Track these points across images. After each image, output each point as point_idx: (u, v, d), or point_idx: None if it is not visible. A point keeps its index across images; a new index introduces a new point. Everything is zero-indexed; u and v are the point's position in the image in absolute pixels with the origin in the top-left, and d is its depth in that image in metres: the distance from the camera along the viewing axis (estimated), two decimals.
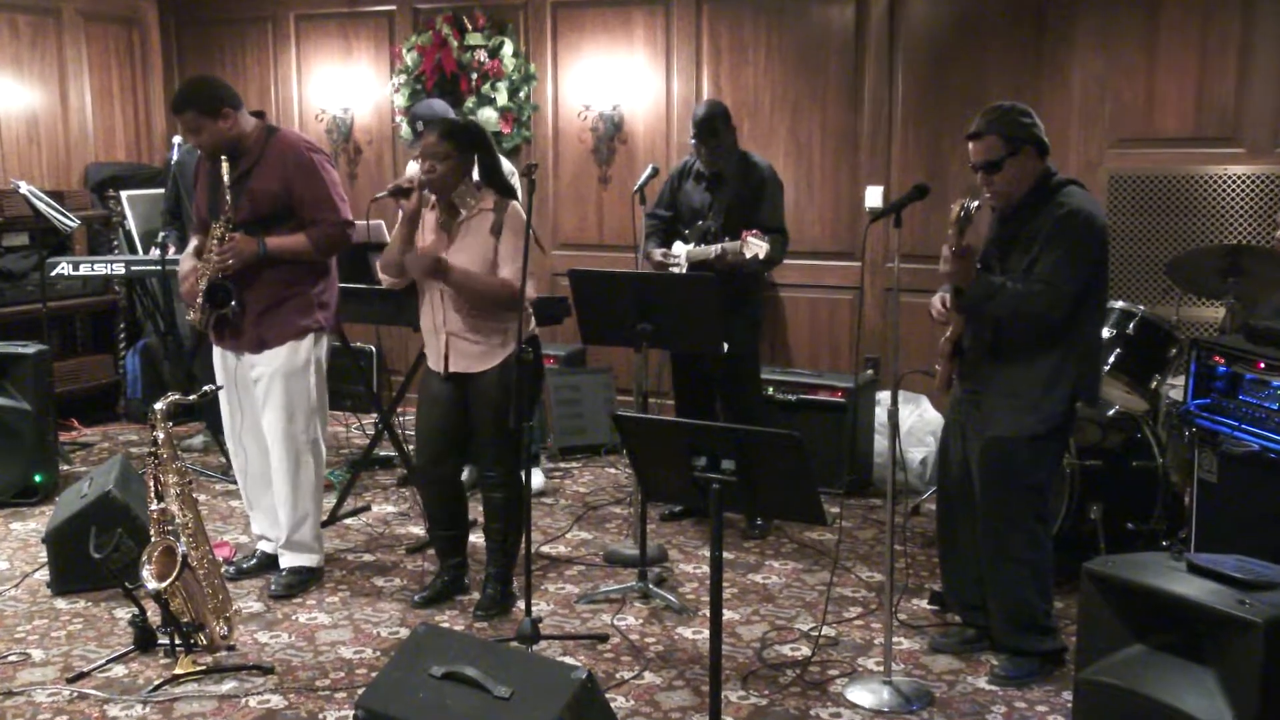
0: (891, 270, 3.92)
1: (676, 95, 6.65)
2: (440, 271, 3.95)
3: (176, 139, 6.03)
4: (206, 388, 3.99)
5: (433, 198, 4.10)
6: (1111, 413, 4.62)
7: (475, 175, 4.09)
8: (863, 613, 4.25)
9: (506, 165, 5.36)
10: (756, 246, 4.66)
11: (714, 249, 4.85)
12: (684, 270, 4.95)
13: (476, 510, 4.54)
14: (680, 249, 5.05)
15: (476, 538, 4.50)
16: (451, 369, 4.08)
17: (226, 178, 4.11)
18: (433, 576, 4.39)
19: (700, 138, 4.97)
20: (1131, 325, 4.62)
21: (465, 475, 4.50)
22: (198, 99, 4.13)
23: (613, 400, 6.49)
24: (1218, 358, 3.95)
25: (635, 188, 5.04)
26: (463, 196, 4.05)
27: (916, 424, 5.72)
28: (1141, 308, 4.71)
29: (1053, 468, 3.73)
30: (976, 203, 3.59)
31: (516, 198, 4.08)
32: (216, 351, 4.39)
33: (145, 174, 7.57)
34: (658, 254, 5.08)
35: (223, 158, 4.10)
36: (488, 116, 6.79)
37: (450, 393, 4.12)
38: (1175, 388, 4.49)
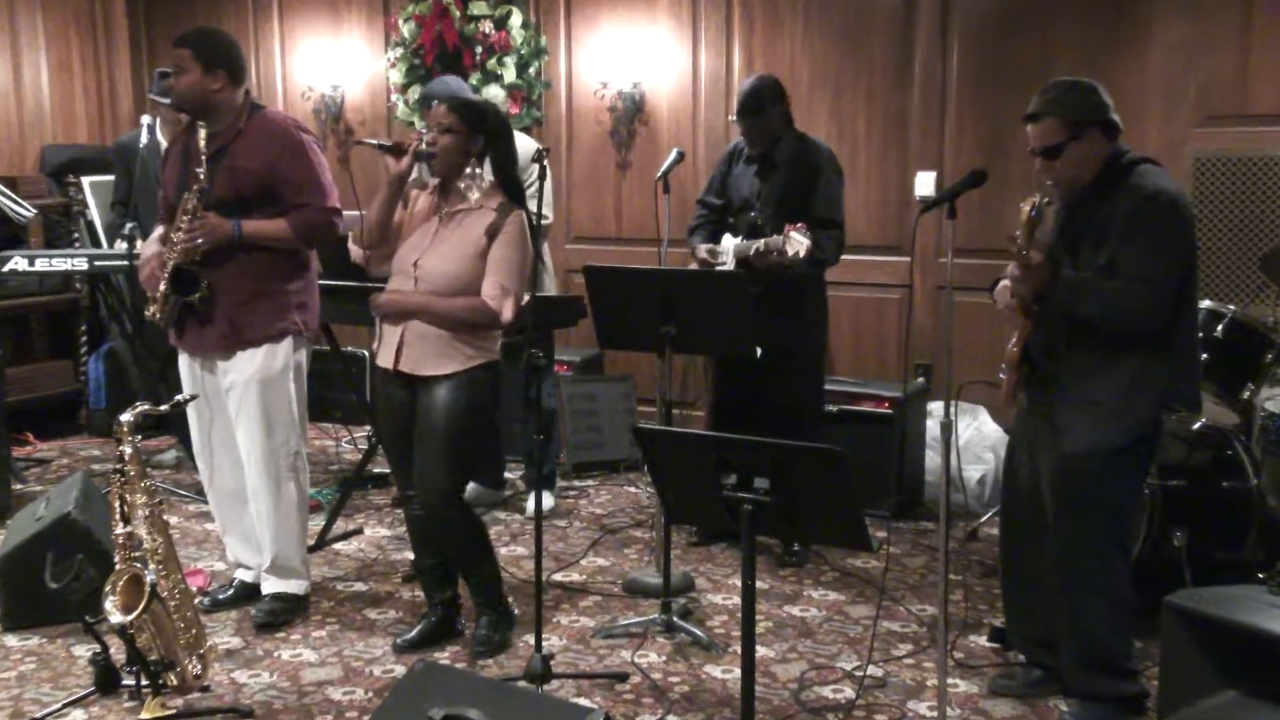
0: (945, 266, 3.88)
1: (704, 71, 6.63)
2: (402, 315, 3.93)
3: (145, 119, 6.03)
4: (180, 397, 3.98)
5: (431, 181, 4.08)
6: (1198, 426, 4.56)
7: (487, 172, 4.07)
8: (913, 650, 4.22)
9: (526, 143, 5.35)
10: (797, 243, 4.59)
11: (755, 244, 4.81)
12: (730, 267, 4.91)
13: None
14: (728, 243, 5.00)
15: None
16: (402, 366, 3.98)
17: (203, 144, 4.09)
18: (418, 618, 4.33)
19: (743, 115, 4.93)
20: (1220, 327, 4.56)
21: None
22: (202, 42, 4.19)
23: (633, 411, 6.47)
24: None
25: (658, 175, 5.03)
26: (467, 186, 4.03)
27: (974, 438, 5.68)
28: (1231, 307, 4.63)
29: (1135, 487, 3.68)
30: (1048, 200, 3.55)
31: (525, 206, 4.04)
32: (183, 358, 4.38)
33: (109, 158, 7.57)
34: (703, 250, 5.01)
35: (200, 125, 4.09)
36: (494, 95, 6.78)
37: (407, 398, 4.03)
38: (1272, 398, 4.42)
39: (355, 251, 4.13)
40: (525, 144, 5.40)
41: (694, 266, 5.05)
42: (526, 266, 3.99)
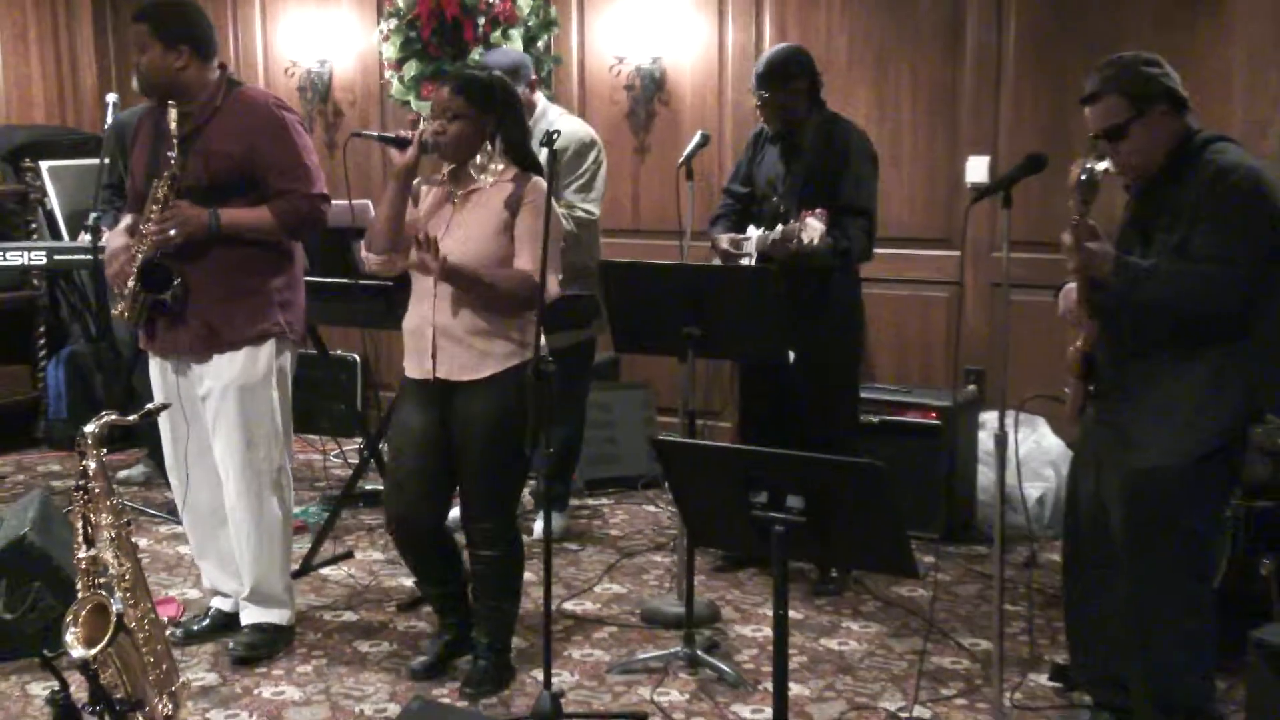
0: (1000, 261, 3.87)
1: (731, 45, 6.63)
2: (446, 275, 3.89)
3: (111, 97, 6.06)
4: (150, 405, 3.96)
5: (441, 171, 4.09)
6: None
7: (498, 146, 4.09)
8: (965, 690, 4.21)
9: (575, 127, 5.37)
10: (812, 229, 4.58)
11: (772, 234, 4.81)
12: (752, 261, 4.92)
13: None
14: (753, 233, 5.00)
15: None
16: (439, 373, 4.03)
17: (174, 126, 4.10)
18: (431, 637, 4.37)
19: (762, 87, 4.93)
20: None
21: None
22: (160, 15, 4.19)
23: (652, 422, 6.46)
24: None
25: (680, 160, 5.02)
26: (479, 166, 4.05)
27: (1033, 453, 5.66)
28: None
29: (1216, 507, 3.65)
30: (1105, 164, 3.51)
31: (542, 172, 4.05)
32: (154, 362, 4.39)
33: (70, 140, 7.61)
34: (724, 240, 5.02)
35: (170, 105, 4.10)
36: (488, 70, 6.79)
37: (434, 416, 4.07)
38: None
39: (370, 259, 4.10)
40: (575, 128, 5.40)
41: (715, 260, 5.05)
42: (559, 238, 4.01)
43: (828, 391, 5.04)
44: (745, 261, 4.91)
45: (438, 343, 4.01)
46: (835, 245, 4.72)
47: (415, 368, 4.10)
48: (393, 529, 4.22)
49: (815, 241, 4.58)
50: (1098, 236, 3.52)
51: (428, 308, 4.03)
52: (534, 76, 5.51)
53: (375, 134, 4.14)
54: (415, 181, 4.11)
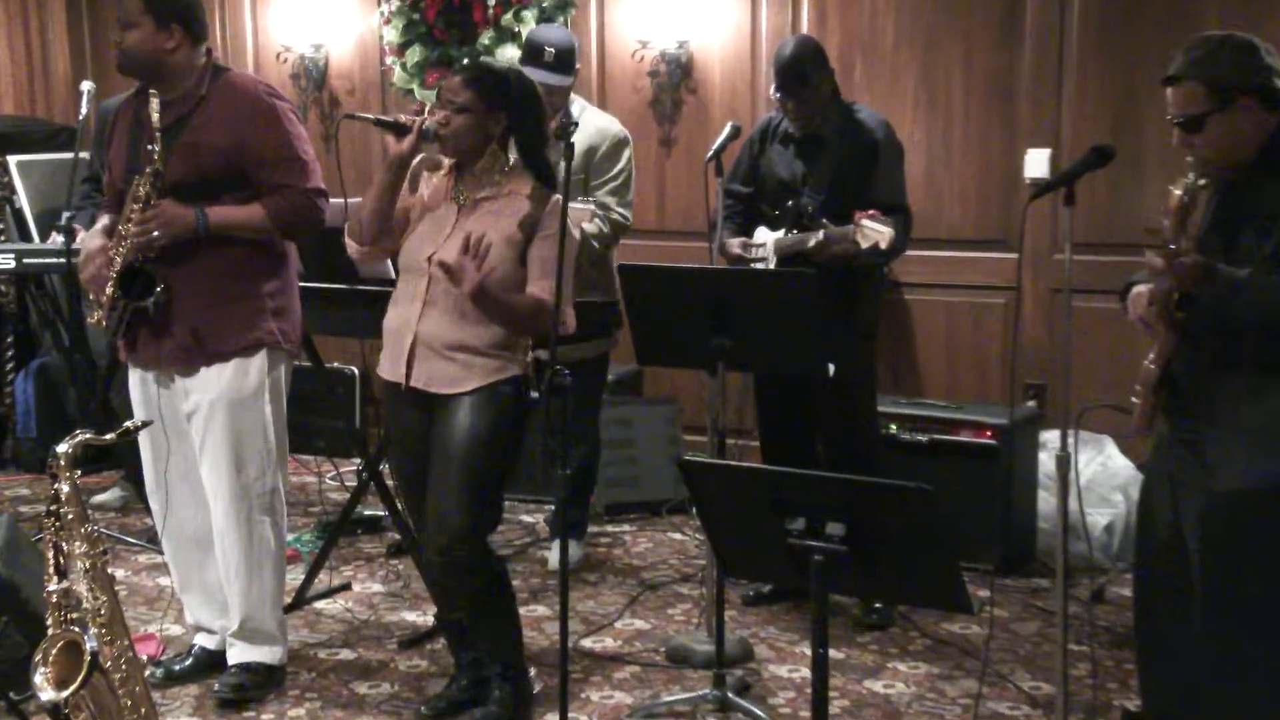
0: (1061, 264, 3.85)
1: (765, 28, 6.64)
2: (477, 293, 3.84)
3: (86, 84, 6.09)
4: (130, 423, 3.96)
5: (445, 162, 4.10)
6: None
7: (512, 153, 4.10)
8: None
9: (604, 123, 5.40)
10: (876, 233, 4.61)
11: (812, 237, 4.82)
12: (771, 265, 4.93)
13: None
14: (766, 236, 5.03)
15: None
16: (413, 383, 4.01)
17: (156, 117, 4.11)
18: (447, 682, 4.36)
19: (785, 88, 4.96)
20: None
21: None
22: None
23: (678, 441, 6.46)
24: None
25: (709, 154, 5.04)
26: (488, 172, 4.04)
27: (1099, 476, 5.65)
28: None
29: None
30: (1203, 181, 3.50)
31: (556, 188, 4.05)
32: (133, 372, 4.40)
33: (42, 132, 7.65)
34: (735, 245, 5.07)
35: (153, 94, 4.10)
36: (510, 57, 6.80)
37: (421, 421, 4.07)
38: None
39: (351, 248, 4.14)
40: (606, 123, 5.43)
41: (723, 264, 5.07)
42: (574, 262, 4.03)
43: (856, 407, 5.06)
44: (760, 265, 4.94)
45: (416, 352, 4.00)
46: (877, 245, 4.73)
47: (389, 370, 4.09)
48: (410, 548, 4.16)
49: (884, 245, 4.60)
50: (1196, 259, 3.50)
51: (413, 312, 4.02)
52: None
53: (371, 117, 4.14)
54: (418, 160, 4.10)
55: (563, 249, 3.83)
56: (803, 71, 4.93)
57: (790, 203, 5.02)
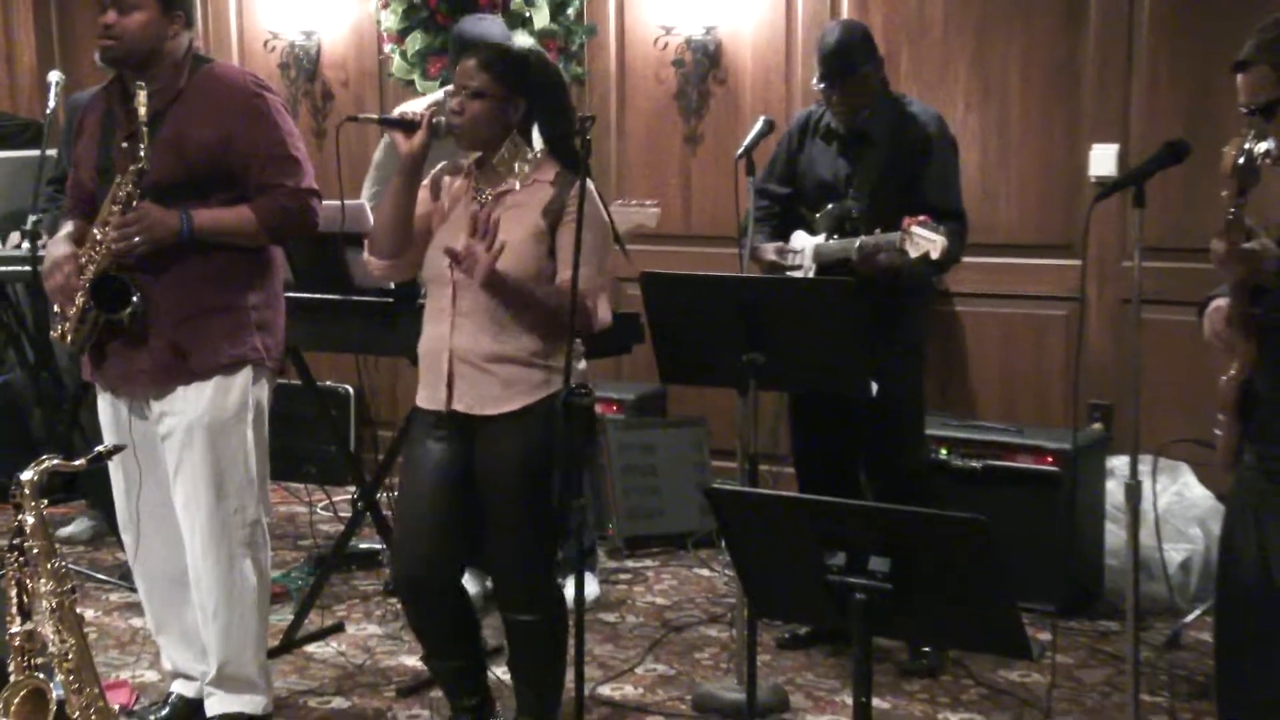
0: (1130, 272, 3.84)
1: (801, 12, 6.66)
2: (489, 280, 3.88)
3: (54, 75, 6.11)
4: (100, 448, 3.96)
5: (465, 164, 4.10)
6: None
7: (537, 143, 4.10)
8: None
9: None
10: (926, 241, 4.58)
11: (855, 243, 4.81)
12: (810, 274, 4.93)
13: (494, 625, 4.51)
14: (804, 242, 5.03)
15: (502, 670, 4.48)
16: (455, 405, 4.04)
17: (143, 111, 4.10)
18: None
19: (830, 79, 4.95)
20: None
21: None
22: None
23: (705, 467, 6.46)
24: None
25: (740, 151, 5.05)
26: (508, 161, 4.04)
27: (1175, 507, 5.63)
28: None
29: None
30: (1267, 145, 3.47)
31: (590, 172, 4.05)
32: (103, 396, 4.40)
33: (5, 128, 7.68)
34: (769, 251, 5.08)
35: (139, 86, 4.10)
36: (521, 45, 6.82)
37: (451, 453, 4.08)
38: None
39: (373, 264, 4.12)
40: None
41: (753, 270, 5.07)
42: (608, 250, 4.03)
43: (903, 430, 5.05)
44: (796, 273, 4.94)
45: (455, 370, 4.01)
46: (928, 255, 4.71)
47: (428, 397, 4.10)
48: (401, 590, 4.22)
49: (935, 255, 4.57)
50: (1253, 235, 3.48)
51: (444, 327, 4.02)
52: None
53: (375, 117, 4.16)
54: (439, 167, 4.12)
55: (579, 235, 3.80)
56: (849, 60, 4.92)
57: (832, 205, 5.02)
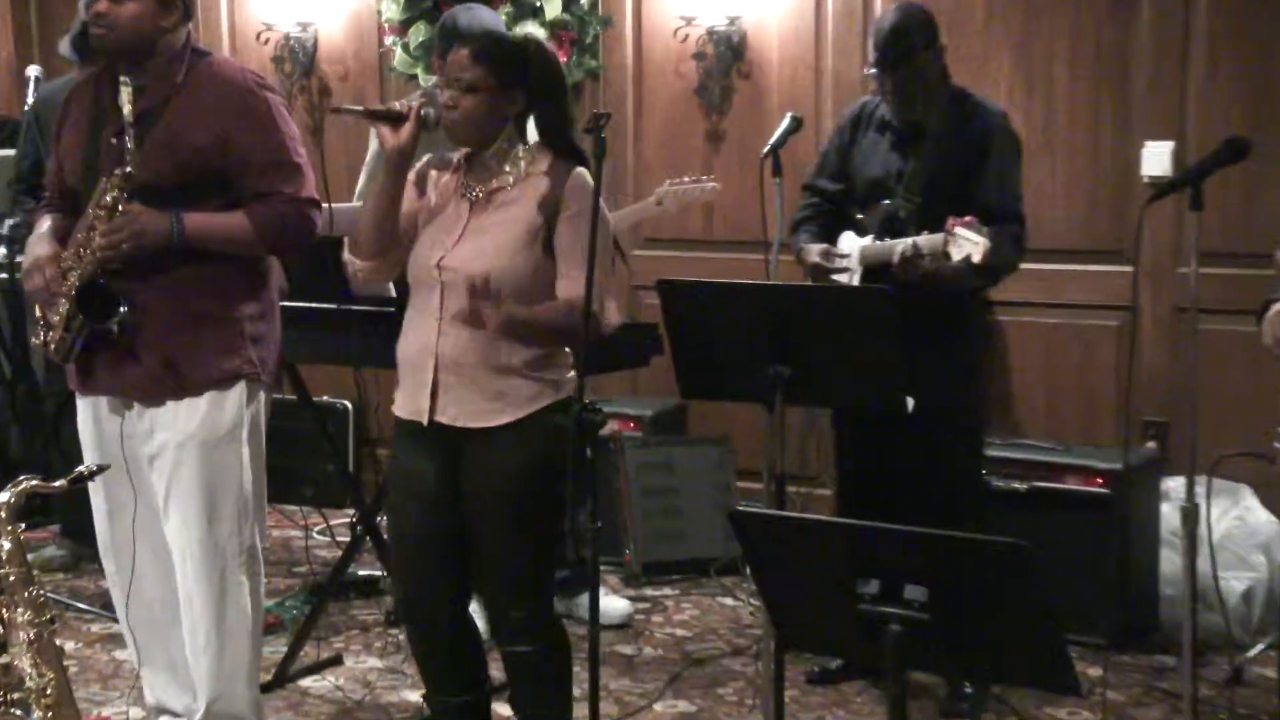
0: (1186, 279, 3.83)
1: (832, 0, 6.63)
2: (506, 327, 3.89)
3: (33, 69, 6.13)
4: (83, 468, 3.97)
5: (455, 158, 4.10)
6: None
7: (532, 136, 4.10)
8: None
9: None
10: (969, 244, 4.56)
11: (899, 246, 4.79)
12: (856, 278, 4.91)
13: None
14: (852, 244, 5.01)
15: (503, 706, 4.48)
16: (439, 417, 4.01)
17: (128, 108, 4.12)
18: None
19: (883, 63, 4.94)
20: None
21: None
22: None
23: (729, 489, 6.46)
24: None
25: (765, 149, 5.04)
26: (502, 157, 4.04)
27: (1236, 532, 5.62)
28: None
29: None
30: None
31: (588, 164, 4.05)
32: (84, 407, 4.41)
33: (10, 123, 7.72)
34: (814, 253, 5.05)
35: (124, 81, 4.10)
36: (532, 34, 6.84)
37: (438, 469, 4.06)
38: None
39: (355, 265, 4.13)
40: None
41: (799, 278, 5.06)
42: (610, 248, 4.03)
43: (955, 450, 5.02)
44: (843, 280, 4.91)
45: (440, 378, 3.97)
46: (989, 261, 4.67)
47: (407, 406, 4.07)
48: (403, 619, 4.21)
49: (977, 259, 4.54)
50: None
51: (429, 332, 3.99)
52: None
53: (361, 108, 4.14)
54: (425, 160, 4.12)
55: (594, 240, 3.81)
56: (907, 45, 4.90)
57: (887, 202, 5.00)
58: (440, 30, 5.52)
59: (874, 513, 4.91)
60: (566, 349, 3.99)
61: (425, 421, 4.00)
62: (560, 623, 4.18)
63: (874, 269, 4.88)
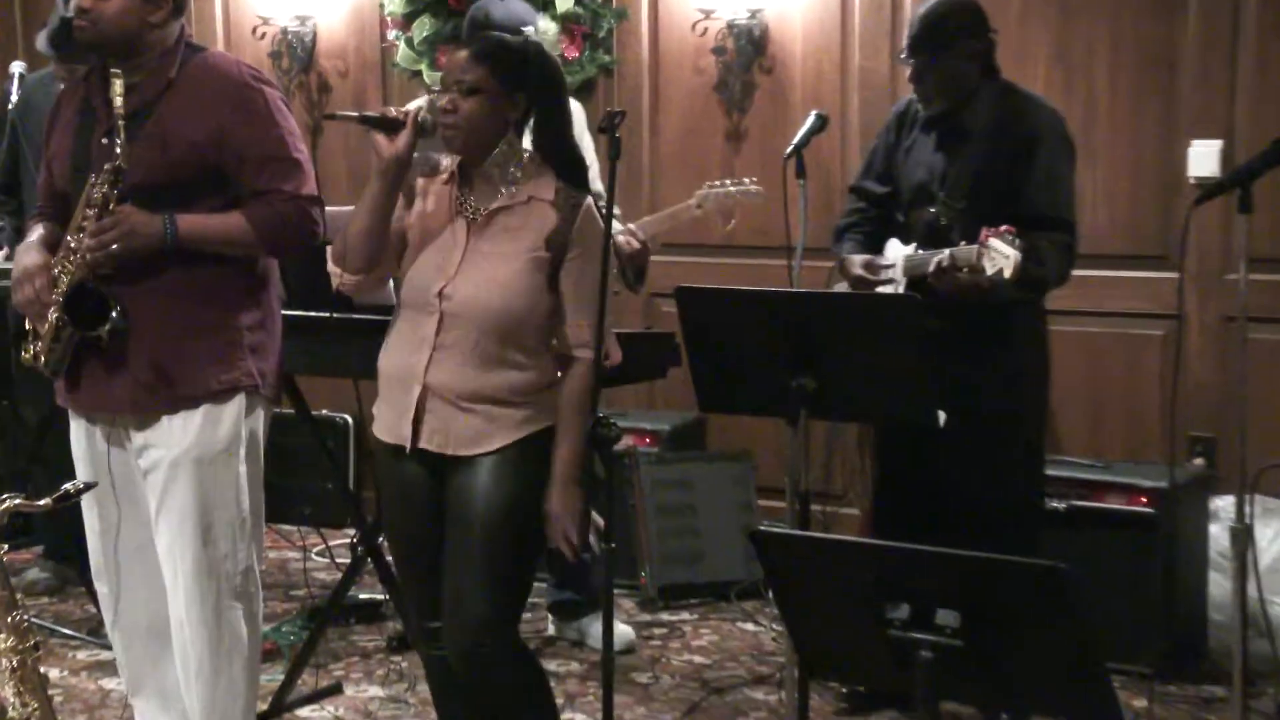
0: (1235, 286, 3.82)
1: None
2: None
3: (17, 65, 6.15)
4: (70, 485, 3.97)
5: (445, 160, 4.09)
6: None
7: (526, 142, 4.09)
8: None
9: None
10: (1000, 257, 4.51)
11: (934, 257, 4.77)
12: (901, 290, 4.90)
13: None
14: (896, 253, 4.99)
15: None
16: (423, 444, 3.99)
17: (120, 101, 4.12)
18: None
19: (915, 49, 4.92)
20: None
21: None
22: None
23: (750, 507, 6.46)
24: None
25: (789, 150, 5.05)
26: (502, 167, 4.03)
27: None
28: None
29: None
30: None
31: (590, 190, 4.05)
32: (76, 424, 4.41)
33: None
34: (857, 264, 5.02)
35: (115, 75, 4.11)
36: (542, 31, 6.84)
37: (427, 492, 4.05)
38: None
39: (338, 276, 4.11)
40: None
41: (842, 287, 5.03)
42: (615, 280, 4.03)
43: (1000, 468, 4.99)
44: (888, 288, 4.88)
45: (426, 405, 3.96)
46: (1026, 273, 4.62)
47: (388, 429, 4.05)
48: (417, 646, 4.16)
49: (1007, 274, 4.50)
50: None
51: (420, 357, 3.96)
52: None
53: (355, 114, 4.13)
54: (415, 160, 4.10)
55: (604, 281, 3.81)
56: (943, 32, 4.87)
57: (934, 209, 4.96)
58: (470, 24, 5.49)
59: (912, 526, 4.91)
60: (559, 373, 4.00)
61: (408, 448, 3.99)
62: (528, 650, 4.16)
63: (917, 279, 4.84)
